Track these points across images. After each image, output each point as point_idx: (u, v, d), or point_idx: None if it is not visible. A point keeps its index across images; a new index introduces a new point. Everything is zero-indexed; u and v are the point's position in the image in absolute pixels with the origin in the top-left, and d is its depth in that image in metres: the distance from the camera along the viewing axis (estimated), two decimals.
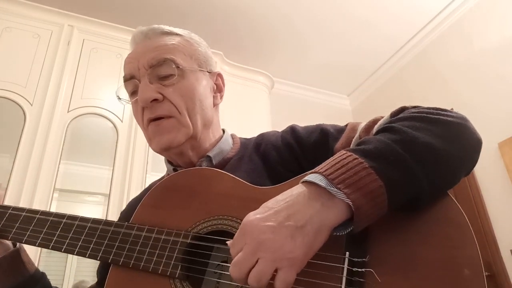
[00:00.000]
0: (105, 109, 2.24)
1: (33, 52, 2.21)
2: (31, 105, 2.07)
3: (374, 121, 0.64)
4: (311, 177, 0.48)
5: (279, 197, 0.48)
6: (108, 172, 2.10)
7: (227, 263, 0.58)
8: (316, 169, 0.48)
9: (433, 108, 0.57)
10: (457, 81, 2.72)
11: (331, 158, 0.49)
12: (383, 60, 3.33)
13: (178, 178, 0.67)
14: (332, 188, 0.45)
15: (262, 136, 0.78)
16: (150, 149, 2.19)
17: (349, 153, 0.48)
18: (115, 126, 2.22)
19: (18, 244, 0.71)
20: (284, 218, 0.45)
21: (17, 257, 0.69)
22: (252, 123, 2.49)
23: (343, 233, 0.47)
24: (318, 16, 2.87)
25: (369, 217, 0.46)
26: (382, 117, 0.63)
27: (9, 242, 0.70)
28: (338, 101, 3.79)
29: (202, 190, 0.64)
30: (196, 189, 0.64)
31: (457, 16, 2.80)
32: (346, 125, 0.69)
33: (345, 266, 0.47)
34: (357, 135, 0.65)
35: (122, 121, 2.25)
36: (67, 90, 2.19)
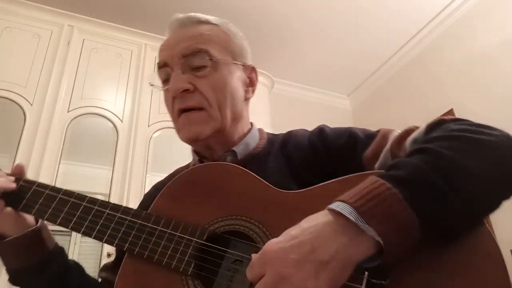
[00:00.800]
0: (105, 109, 2.24)
1: (33, 52, 2.21)
2: (31, 105, 2.07)
3: (408, 132, 0.60)
4: (339, 206, 0.44)
5: (304, 224, 0.45)
6: (108, 172, 2.09)
7: (242, 263, 0.57)
8: (345, 197, 0.45)
9: (475, 125, 0.52)
10: (457, 81, 2.72)
11: (362, 186, 0.45)
12: (383, 60, 3.33)
13: (200, 172, 0.67)
14: (363, 224, 0.42)
15: (290, 135, 0.76)
16: (150, 149, 2.21)
17: (381, 181, 0.44)
18: (115, 126, 2.22)
19: (40, 221, 0.71)
20: (309, 251, 0.42)
21: (37, 234, 0.69)
22: None
23: (369, 266, 0.44)
24: (318, 16, 2.87)
25: (399, 252, 0.43)
26: (417, 128, 0.60)
27: (32, 218, 0.71)
28: (338, 101, 3.79)
29: (223, 187, 0.63)
30: (216, 185, 0.64)
31: (457, 17, 2.80)
32: (378, 131, 0.66)
33: (363, 287, 0.45)
34: (388, 145, 0.61)
35: (122, 121, 2.25)
36: (67, 90, 2.19)
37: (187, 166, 0.82)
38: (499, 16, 2.50)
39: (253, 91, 0.79)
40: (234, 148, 0.72)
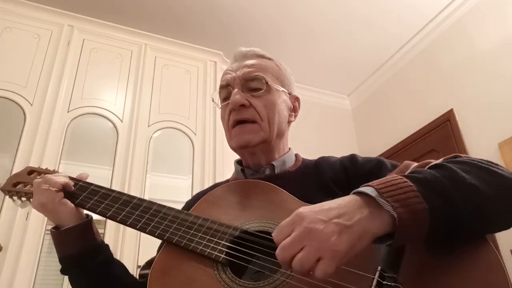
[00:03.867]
0: (105, 109, 2.24)
1: (33, 52, 2.21)
2: (31, 105, 2.07)
3: (426, 163, 0.68)
4: (363, 188, 0.53)
5: (331, 202, 0.52)
6: (108, 172, 2.09)
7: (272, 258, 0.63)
8: (368, 183, 0.53)
9: (486, 160, 0.61)
10: (457, 81, 2.72)
11: (384, 178, 0.54)
12: (383, 60, 3.33)
13: (238, 185, 0.80)
14: (381, 200, 0.50)
15: (322, 158, 0.90)
16: (150, 149, 2.22)
17: (400, 177, 0.53)
18: (115, 126, 2.22)
19: (90, 216, 0.83)
20: (335, 216, 0.49)
21: (89, 226, 0.81)
22: None
23: (383, 244, 0.52)
24: (318, 16, 2.87)
25: (409, 234, 0.50)
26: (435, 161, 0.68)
27: (83, 214, 0.82)
28: (338, 101, 3.79)
29: (257, 198, 0.74)
30: (252, 197, 0.75)
31: (458, 16, 2.80)
32: (402, 163, 0.77)
33: (376, 277, 0.50)
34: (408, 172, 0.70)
35: (122, 121, 2.25)
36: (67, 90, 2.19)
37: (227, 181, 0.93)
38: (498, 17, 2.50)
39: (295, 116, 0.94)
40: (273, 163, 0.86)
